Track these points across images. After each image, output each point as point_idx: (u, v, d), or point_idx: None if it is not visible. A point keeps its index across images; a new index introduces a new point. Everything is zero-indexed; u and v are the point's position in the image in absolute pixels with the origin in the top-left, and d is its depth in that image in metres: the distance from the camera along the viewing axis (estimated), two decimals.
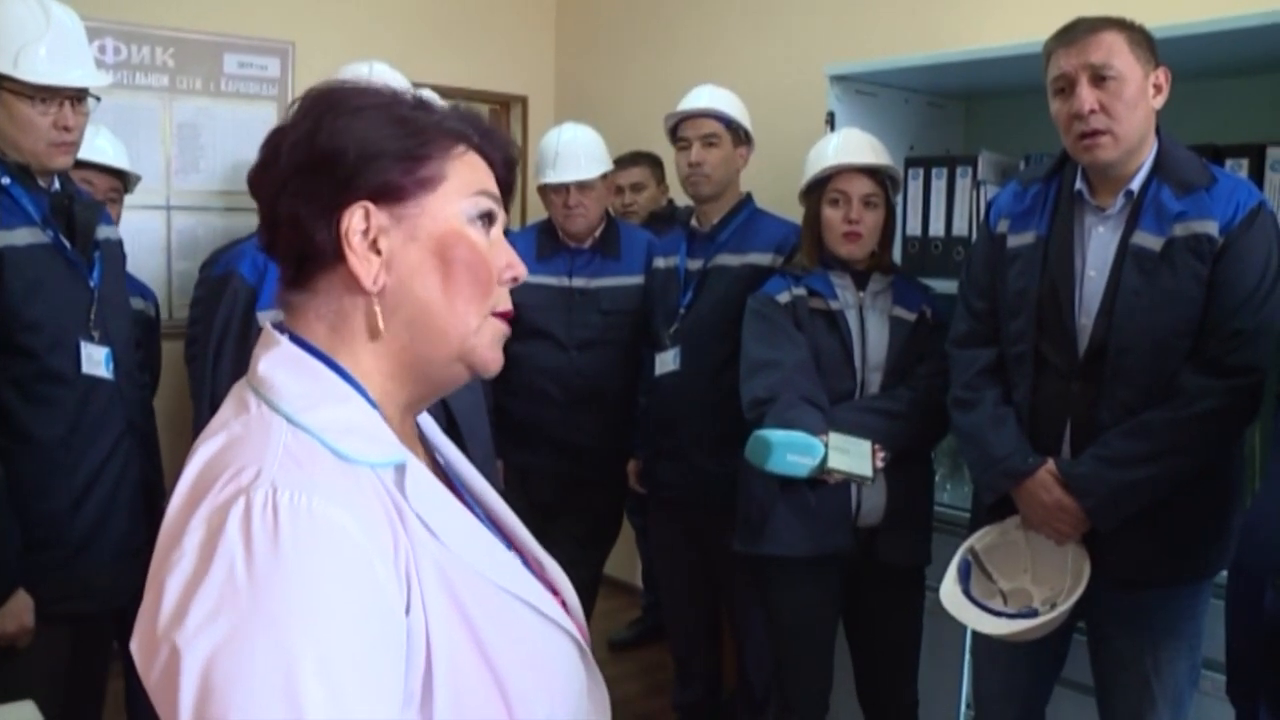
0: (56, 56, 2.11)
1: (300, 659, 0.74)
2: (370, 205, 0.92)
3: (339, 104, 0.94)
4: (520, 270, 1.00)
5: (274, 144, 0.96)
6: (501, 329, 0.99)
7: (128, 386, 2.31)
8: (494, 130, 1.03)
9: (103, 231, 2.32)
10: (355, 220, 0.92)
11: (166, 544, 0.81)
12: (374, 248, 0.93)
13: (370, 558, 0.80)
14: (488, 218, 0.98)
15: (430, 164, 0.94)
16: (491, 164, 1.01)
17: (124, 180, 3.08)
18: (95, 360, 2.20)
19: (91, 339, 2.20)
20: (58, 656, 2.22)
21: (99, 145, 2.96)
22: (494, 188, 1.00)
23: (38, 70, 2.08)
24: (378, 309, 0.93)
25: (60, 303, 2.16)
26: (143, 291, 3.15)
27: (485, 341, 0.97)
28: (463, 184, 0.96)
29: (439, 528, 0.89)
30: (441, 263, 0.94)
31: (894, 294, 2.59)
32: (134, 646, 0.80)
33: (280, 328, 0.96)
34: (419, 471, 0.91)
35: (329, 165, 0.92)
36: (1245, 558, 1.66)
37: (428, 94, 1.02)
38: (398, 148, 0.93)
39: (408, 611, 0.83)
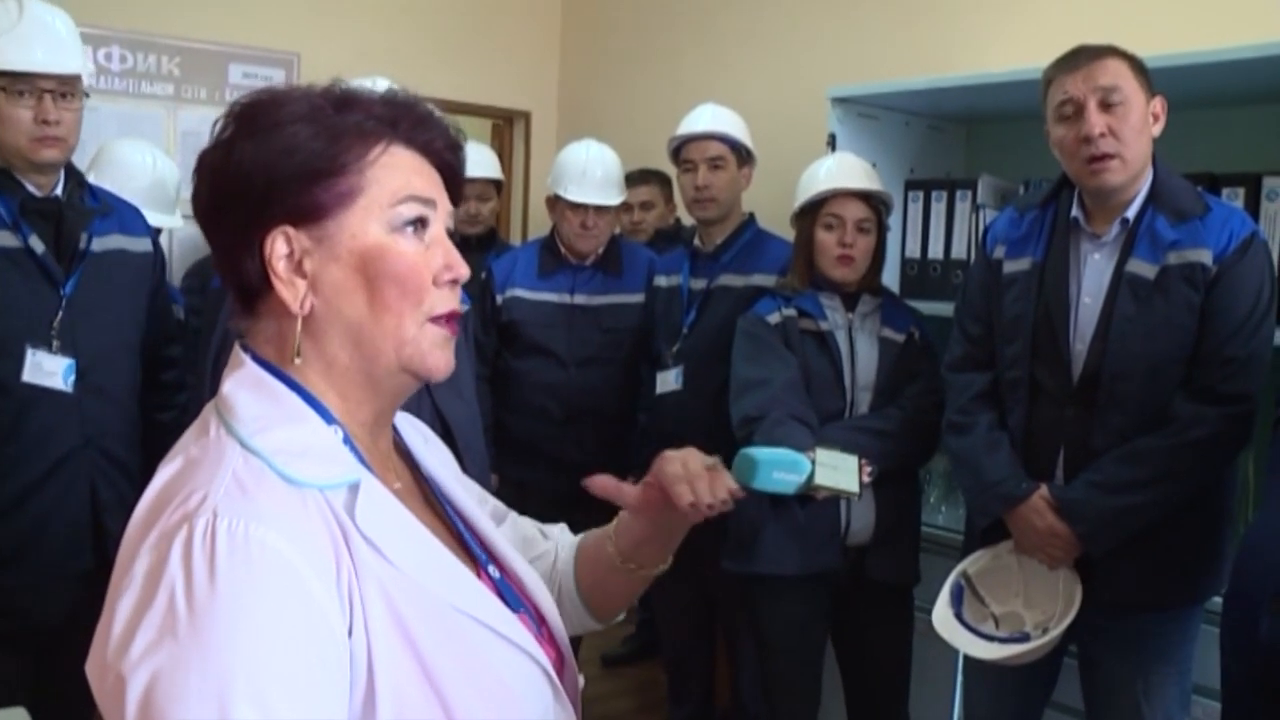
0: (24, 44, 2.06)
1: (233, 685, 0.76)
2: (290, 229, 0.91)
3: (253, 122, 0.92)
4: (460, 271, 0.97)
5: (197, 170, 0.95)
6: (440, 334, 0.96)
7: (94, 401, 2.17)
8: (428, 115, 0.99)
9: (103, 243, 2.24)
10: (278, 246, 0.91)
11: (121, 568, 0.84)
12: (299, 270, 0.92)
13: (308, 582, 0.82)
14: (419, 223, 0.95)
15: (346, 177, 0.92)
16: (429, 151, 0.98)
17: None
18: (47, 370, 2.09)
19: (47, 348, 2.10)
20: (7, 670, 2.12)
21: None
22: (423, 188, 0.96)
23: (6, 58, 2.04)
24: (299, 332, 0.93)
25: (14, 308, 2.07)
26: (179, 299, 3.15)
27: (425, 348, 0.95)
28: (384, 192, 0.93)
29: (388, 548, 0.89)
30: (365, 280, 0.92)
31: (882, 315, 2.62)
32: (88, 666, 0.83)
33: (246, 347, 0.97)
34: (373, 491, 0.91)
35: (241, 193, 0.91)
36: (1241, 584, 1.67)
37: (358, 84, 0.99)
38: (309, 167, 0.91)
39: (350, 633, 0.84)
